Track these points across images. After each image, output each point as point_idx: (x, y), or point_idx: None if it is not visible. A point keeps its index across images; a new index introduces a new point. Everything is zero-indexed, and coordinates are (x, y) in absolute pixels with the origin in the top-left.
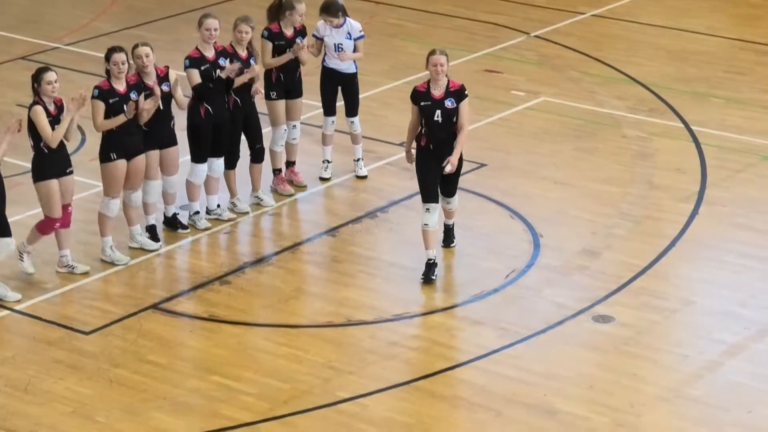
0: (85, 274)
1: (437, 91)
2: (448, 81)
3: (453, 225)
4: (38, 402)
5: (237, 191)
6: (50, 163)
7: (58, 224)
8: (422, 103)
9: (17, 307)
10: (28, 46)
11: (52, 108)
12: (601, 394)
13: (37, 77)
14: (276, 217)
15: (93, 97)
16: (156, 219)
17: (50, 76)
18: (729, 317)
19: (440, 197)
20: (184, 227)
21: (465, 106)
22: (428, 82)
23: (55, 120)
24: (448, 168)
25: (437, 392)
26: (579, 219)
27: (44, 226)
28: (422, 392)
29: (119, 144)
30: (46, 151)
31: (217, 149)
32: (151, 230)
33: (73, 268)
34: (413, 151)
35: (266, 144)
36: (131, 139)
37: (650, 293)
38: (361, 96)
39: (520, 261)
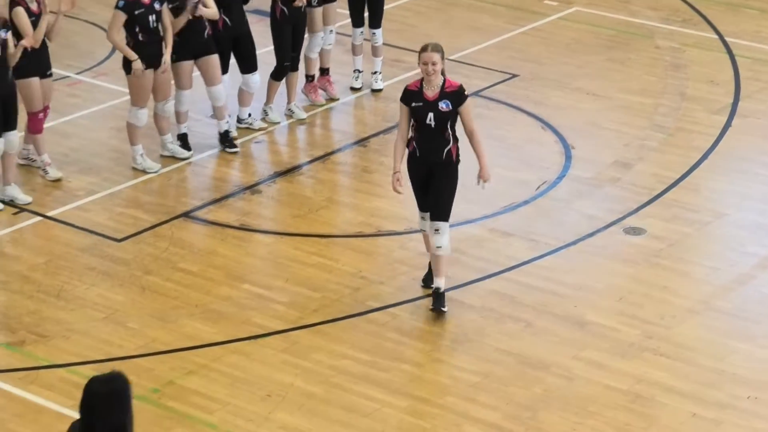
0: (58, 181)
1: (430, 92)
2: (444, 80)
3: (442, 289)
4: (70, 308)
5: (273, 99)
6: (32, 62)
7: (41, 115)
8: (413, 104)
9: (50, 213)
10: None
11: (34, 7)
12: (631, 306)
13: None
14: (308, 126)
15: (117, 7)
16: (187, 127)
17: None
18: (761, 230)
19: (429, 223)
20: (233, 146)
21: (467, 108)
22: (421, 80)
23: (37, 19)
24: (484, 182)
25: (467, 303)
26: (611, 130)
27: (32, 125)
28: (452, 303)
29: (142, 54)
30: (28, 50)
31: (244, 63)
32: (183, 139)
33: (34, 162)
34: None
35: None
36: (152, 49)
37: (682, 206)
38: (392, 5)
39: (552, 172)
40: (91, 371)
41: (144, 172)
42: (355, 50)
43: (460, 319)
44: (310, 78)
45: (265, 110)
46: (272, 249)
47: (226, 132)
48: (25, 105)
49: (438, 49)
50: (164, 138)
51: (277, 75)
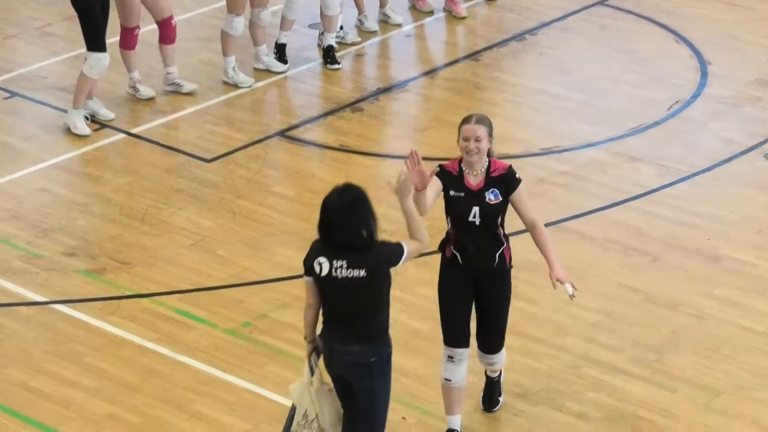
0: (191, 93)
1: (474, 178)
2: (490, 162)
3: (499, 378)
4: (155, 233)
5: (364, 7)
6: None
7: (136, 31)
8: (452, 193)
9: (134, 130)
10: None
11: None
12: None
13: None
14: (414, 38)
15: None
16: (287, 37)
17: None
18: None
19: (477, 351)
20: (336, 62)
21: (521, 195)
22: (460, 161)
23: None
24: (569, 290)
25: (588, 234)
26: (752, 44)
27: (124, 40)
28: (571, 234)
29: None
30: None
31: None
32: (281, 50)
33: (180, 86)
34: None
35: None
36: None
37: None
38: None
39: (685, 91)
40: (178, 302)
41: (236, 86)
42: None
43: (581, 252)
44: None
45: (360, 20)
46: (374, 172)
47: (330, 47)
48: (119, 17)
49: (484, 121)
50: (259, 49)
51: None
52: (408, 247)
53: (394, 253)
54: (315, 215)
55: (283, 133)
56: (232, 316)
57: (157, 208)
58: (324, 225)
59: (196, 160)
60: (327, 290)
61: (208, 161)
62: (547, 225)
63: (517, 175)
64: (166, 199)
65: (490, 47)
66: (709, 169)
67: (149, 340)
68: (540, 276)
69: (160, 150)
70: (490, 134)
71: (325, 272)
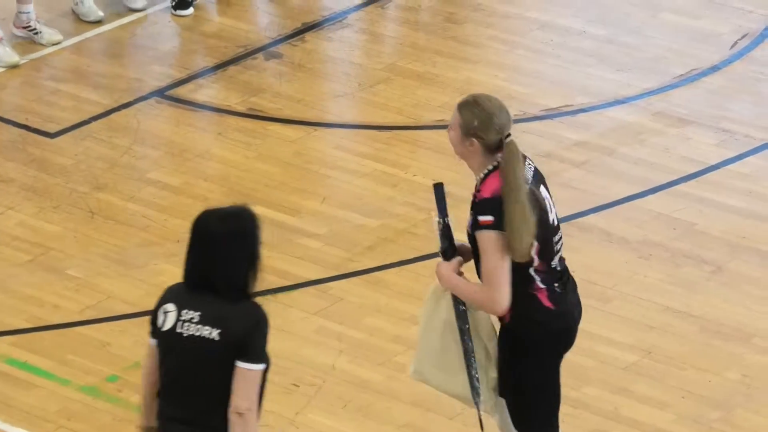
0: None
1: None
2: (488, 173)
3: None
4: None
5: None
6: None
7: None
8: None
9: None
10: None
11: None
12: None
13: None
14: None
15: None
16: None
17: None
18: None
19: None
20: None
21: (481, 248)
22: None
23: None
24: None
25: (617, 234)
26: None
27: None
28: (592, 233)
29: None
30: None
31: None
32: None
33: (37, 34)
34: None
35: None
36: None
37: None
38: None
39: (756, 20)
40: (10, 347)
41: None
42: None
43: (607, 259)
44: None
45: None
46: (299, 148)
47: None
48: None
49: (465, 104)
50: None
51: None
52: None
53: (263, 323)
54: None
55: (163, 93)
56: (92, 366)
57: None
58: (190, 256)
59: (33, 135)
60: (166, 352)
61: (52, 136)
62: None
63: (483, 219)
64: None
65: None
66: None
67: None
68: None
69: None
70: (467, 123)
71: (168, 325)
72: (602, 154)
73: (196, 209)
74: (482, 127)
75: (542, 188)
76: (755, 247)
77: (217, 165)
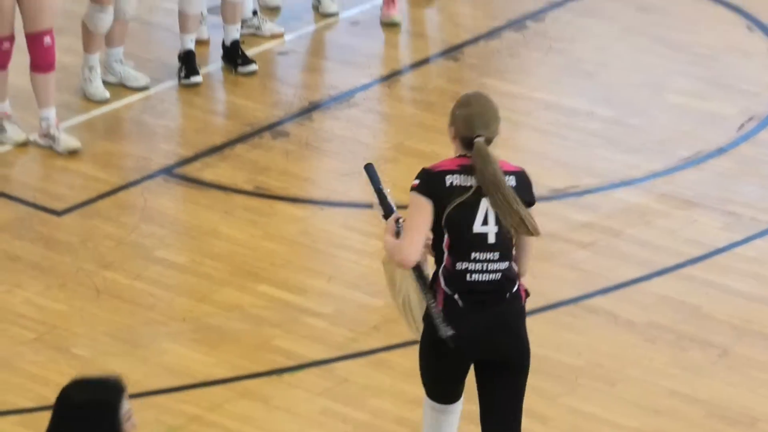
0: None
1: None
2: None
3: None
4: None
5: None
6: None
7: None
8: None
9: None
10: None
11: None
12: None
13: None
14: (362, 28)
15: None
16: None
17: None
18: None
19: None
20: (249, 61)
21: (410, 198)
22: None
23: None
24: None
25: (623, 316)
26: None
27: None
28: (599, 315)
29: None
30: None
31: None
32: (187, 59)
33: (56, 142)
34: None
35: None
36: None
37: None
38: None
39: (763, 102)
40: (14, 427)
41: (97, 101)
42: None
43: (613, 342)
44: None
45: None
46: (306, 227)
47: (236, 43)
48: None
49: (462, 97)
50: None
51: None
52: None
53: None
54: (219, 293)
55: (171, 171)
56: None
57: None
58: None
59: (40, 212)
60: None
61: (59, 214)
62: (564, 302)
63: (413, 182)
64: None
65: (475, 40)
66: None
67: None
68: (553, 378)
69: None
70: (452, 110)
71: None
72: (608, 235)
73: (202, 288)
74: (456, 118)
75: (516, 202)
76: (761, 331)
77: (224, 243)
